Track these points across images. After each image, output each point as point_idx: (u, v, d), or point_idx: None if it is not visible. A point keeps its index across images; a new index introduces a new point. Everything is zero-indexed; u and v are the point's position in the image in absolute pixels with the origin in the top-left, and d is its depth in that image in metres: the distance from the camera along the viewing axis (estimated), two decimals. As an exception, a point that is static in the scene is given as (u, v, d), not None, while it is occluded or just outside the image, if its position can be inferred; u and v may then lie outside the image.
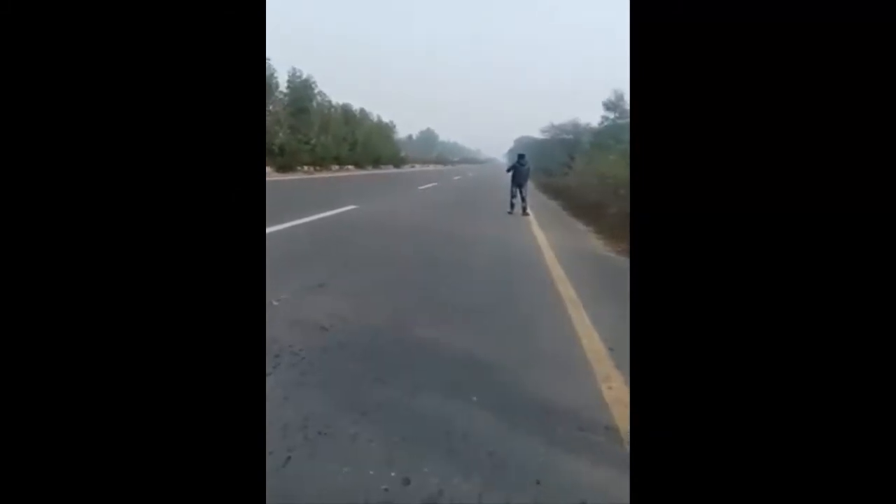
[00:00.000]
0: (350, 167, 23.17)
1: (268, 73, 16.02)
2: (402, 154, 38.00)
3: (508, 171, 9.31)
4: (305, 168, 17.76)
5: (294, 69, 18.74)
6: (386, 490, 1.29)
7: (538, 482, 1.36)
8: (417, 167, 40.70)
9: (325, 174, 17.89)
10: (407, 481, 1.33)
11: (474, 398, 1.81)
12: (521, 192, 8.91)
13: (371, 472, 1.35)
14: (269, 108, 16.06)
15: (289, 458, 1.39)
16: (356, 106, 26.50)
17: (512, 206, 8.91)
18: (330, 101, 21.71)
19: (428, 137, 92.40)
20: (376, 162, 28.12)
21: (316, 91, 19.66)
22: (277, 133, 15.98)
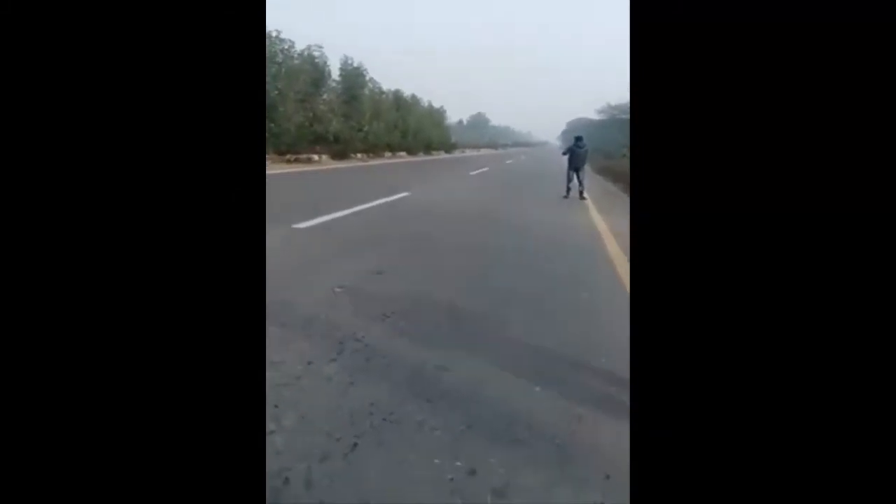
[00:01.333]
0: (402, 154, 23.37)
1: (320, 62, 16.28)
2: (453, 139, 37.93)
3: (564, 153, 9.10)
4: (359, 156, 18.05)
5: (346, 57, 19.00)
6: (451, 480, 1.29)
7: (608, 476, 1.33)
8: (469, 152, 40.56)
9: (377, 161, 18.14)
10: (473, 472, 1.33)
11: (537, 388, 1.78)
12: (577, 176, 8.69)
13: (437, 461, 1.36)
14: (323, 96, 16.36)
15: (355, 444, 1.42)
16: (407, 92, 26.63)
17: (568, 190, 8.71)
18: (381, 89, 21.90)
19: (479, 122, 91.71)
20: (428, 148, 28.22)
21: (367, 78, 19.87)
22: (331, 121, 16.29)
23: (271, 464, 1.31)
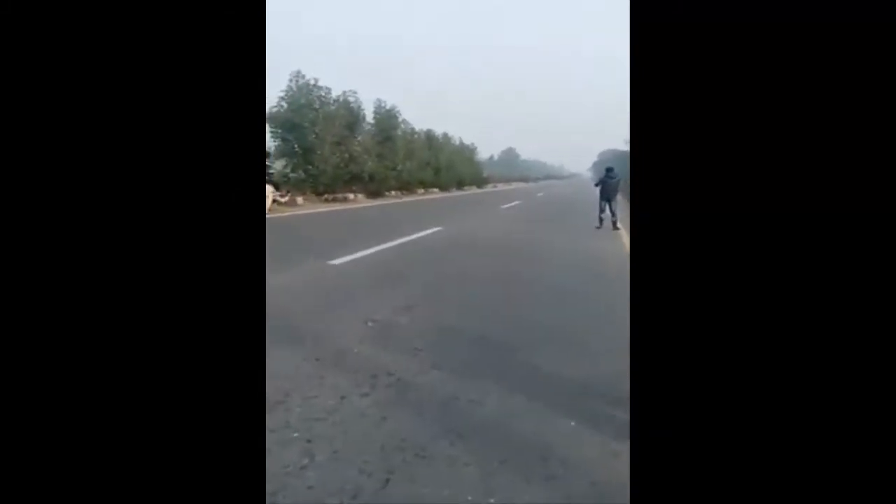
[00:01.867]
0: (434, 190, 23.72)
1: (355, 106, 16.91)
2: (485, 174, 38.28)
3: (597, 185, 9.08)
4: (393, 193, 18.44)
5: (379, 100, 19.67)
6: (485, 516, 1.26)
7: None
8: (500, 186, 40.80)
9: (410, 198, 18.46)
10: (506, 508, 1.29)
11: (572, 423, 1.74)
12: (610, 206, 8.63)
13: (469, 498, 1.34)
14: (358, 138, 16.90)
15: (388, 480, 1.41)
16: (439, 131, 27.22)
17: (601, 220, 8.63)
18: (413, 129, 22.48)
19: (509, 156, 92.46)
20: (459, 184, 28.57)
21: (400, 119, 20.46)
22: (366, 161, 16.75)
23: (304, 498, 1.32)
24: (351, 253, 5.20)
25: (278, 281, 3.86)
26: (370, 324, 2.86)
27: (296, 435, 1.63)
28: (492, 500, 1.32)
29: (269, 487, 1.35)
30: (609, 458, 1.53)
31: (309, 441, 1.59)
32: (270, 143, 14.36)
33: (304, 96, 14.66)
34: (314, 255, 5.01)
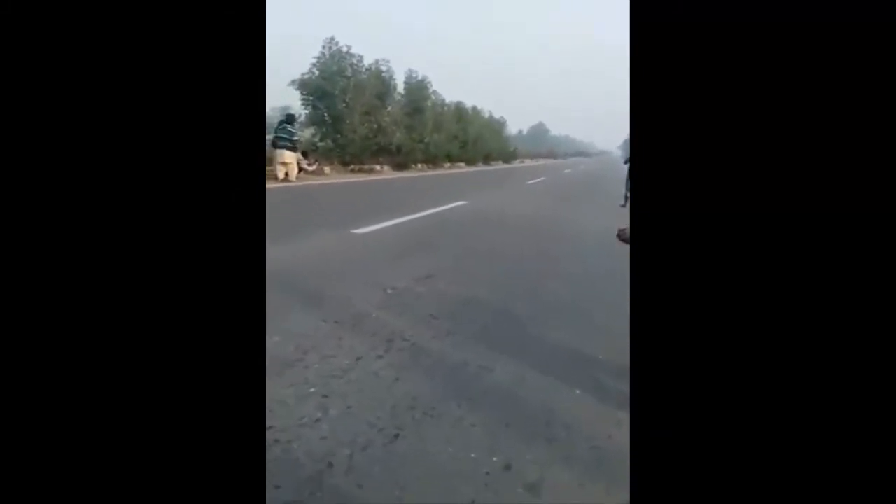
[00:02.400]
0: (461, 164, 23.57)
1: (387, 76, 16.77)
2: (513, 149, 37.81)
3: (626, 162, 8.89)
4: (419, 166, 18.41)
5: (410, 70, 19.49)
6: (487, 474, 1.32)
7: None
8: (528, 162, 40.28)
9: (437, 171, 18.43)
10: (508, 467, 1.35)
11: (577, 392, 1.78)
12: (637, 185, 8.46)
13: (473, 456, 1.40)
14: (388, 109, 16.82)
15: (396, 435, 1.48)
16: (468, 104, 26.87)
17: (626, 198, 8.49)
18: (443, 100, 22.26)
19: (538, 132, 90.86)
20: (487, 158, 28.30)
21: (430, 91, 20.25)
22: (395, 133, 16.70)
23: (316, 448, 1.40)
24: (375, 223, 5.27)
25: (302, 247, 3.96)
26: (389, 291, 2.93)
27: (312, 390, 1.71)
28: (495, 459, 1.38)
29: (284, 437, 1.44)
30: (611, 425, 1.57)
31: (325, 396, 1.67)
32: (301, 111, 14.40)
33: (336, 63, 14.57)
34: (339, 224, 5.10)
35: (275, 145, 10.06)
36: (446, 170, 20.07)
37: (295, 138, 10.12)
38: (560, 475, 1.32)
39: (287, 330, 2.22)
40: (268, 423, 1.50)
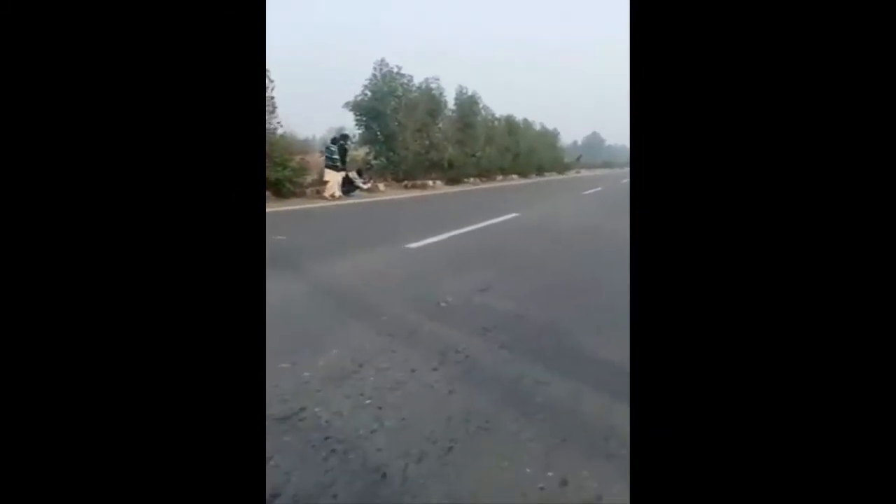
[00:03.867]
0: (514, 176, 23.49)
1: (436, 93, 17.07)
2: (567, 160, 37.30)
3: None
4: (471, 180, 18.50)
5: (461, 87, 19.72)
6: (542, 489, 1.29)
7: None
8: (583, 172, 39.58)
9: (489, 184, 18.45)
10: (564, 482, 1.31)
11: (640, 408, 1.71)
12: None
13: (528, 471, 1.37)
14: (439, 125, 17.08)
15: (451, 448, 1.47)
16: (519, 116, 26.83)
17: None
18: (493, 114, 22.34)
19: (593, 142, 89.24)
20: (539, 169, 28.05)
21: (480, 105, 20.40)
22: (446, 148, 16.90)
23: (372, 459, 1.41)
24: (428, 237, 5.33)
25: (356, 263, 4.06)
26: (442, 304, 2.94)
27: (368, 402, 1.74)
28: (550, 474, 1.35)
29: (340, 447, 1.46)
30: (676, 444, 1.49)
31: (380, 408, 1.70)
32: (355, 131, 14.89)
33: (387, 84, 15.00)
34: (393, 239, 5.20)
35: (326, 166, 10.48)
36: (498, 182, 20.06)
37: (335, 156, 10.45)
38: (620, 492, 1.27)
39: (344, 343, 2.28)
40: (325, 434, 1.53)
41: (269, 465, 1.38)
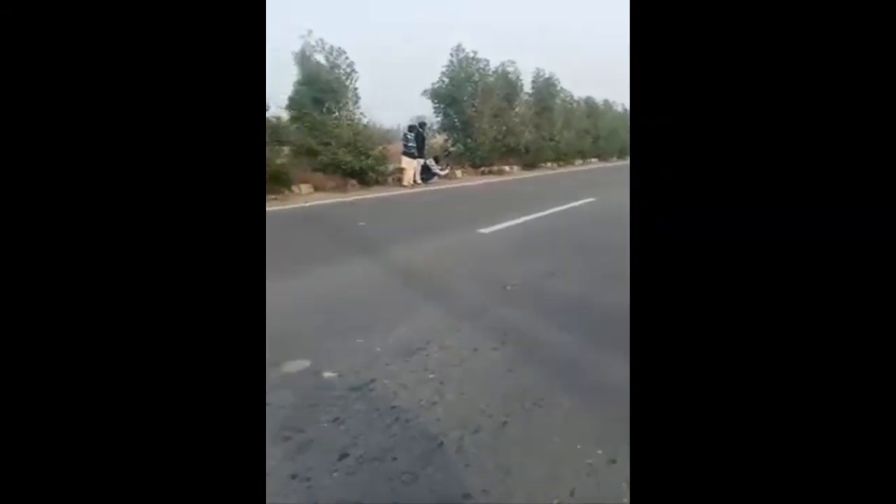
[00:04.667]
0: (593, 160, 22.69)
1: (513, 76, 16.82)
2: (652, 141, 35.30)
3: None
4: (549, 164, 18.14)
5: (538, 70, 19.28)
6: (590, 465, 1.34)
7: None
8: (670, 154, 37.36)
9: (567, 169, 18.00)
10: (613, 461, 1.35)
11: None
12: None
13: (579, 447, 1.42)
14: (516, 109, 16.86)
15: (505, 422, 1.56)
16: (599, 98, 25.76)
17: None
18: (572, 96, 21.65)
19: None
20: (621, 152, 26.89)
21: (558, 88, 19.84)
22: (523, 133, 16.66)
23: (431, 428, 1.53)
24: (500, 222, 5.38)
25: (430, 247, 4.21)
26: (509, 287, 3.01)
27: (431, 377, 1.86)
28: (600, 451, 1.39)
29: (403, 416, 1.60)
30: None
31: (441, 383, 1.81)
32: (433, 119, 15.08)
33: (464, 70, 14.99)
34: (466, 224, 5.30)
35: (403, 153, 10.76)
36: (577, 167, 19.51)
37: (411, 144, 10.65)
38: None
39: (413, 321, 2.42)
40: (391, 404, 1.68)
41: (340, 428, 1.54)
